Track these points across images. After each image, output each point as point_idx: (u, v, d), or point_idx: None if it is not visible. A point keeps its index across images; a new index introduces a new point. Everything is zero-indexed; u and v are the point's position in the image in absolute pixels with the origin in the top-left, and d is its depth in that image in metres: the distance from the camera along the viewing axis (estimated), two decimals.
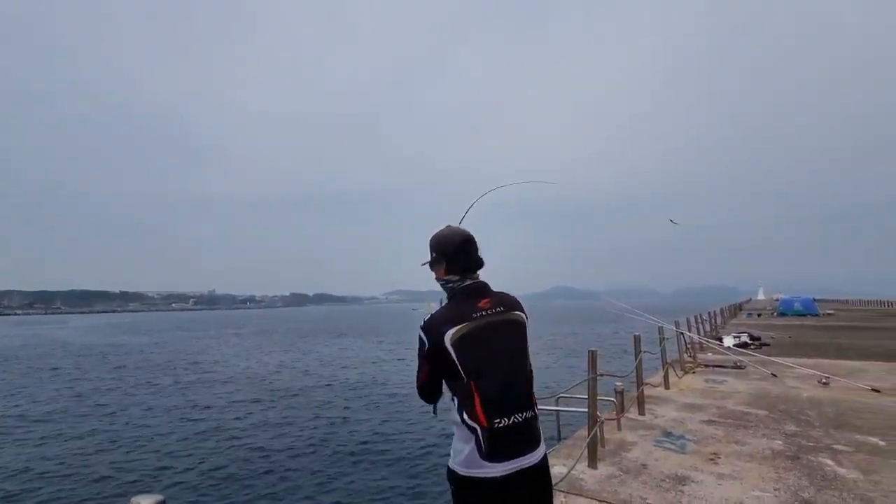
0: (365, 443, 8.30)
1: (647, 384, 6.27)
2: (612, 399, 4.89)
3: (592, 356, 4.02)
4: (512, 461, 1.56)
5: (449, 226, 1.85)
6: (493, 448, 1.54)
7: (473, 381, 1.57)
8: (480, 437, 1.54)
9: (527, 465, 1.59)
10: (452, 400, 1.61)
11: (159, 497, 1.15)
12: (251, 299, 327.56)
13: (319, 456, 7.68)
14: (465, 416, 1.56)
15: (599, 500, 3.35)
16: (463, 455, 1.57)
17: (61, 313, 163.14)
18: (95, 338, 38.85)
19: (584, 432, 4.16)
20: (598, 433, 4.13)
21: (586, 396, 4.06)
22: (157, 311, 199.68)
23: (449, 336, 1.59)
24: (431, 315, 1.68)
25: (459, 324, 1.62)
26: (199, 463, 7.45)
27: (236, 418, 10.29)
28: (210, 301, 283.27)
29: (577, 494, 3.44)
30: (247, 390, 13.74)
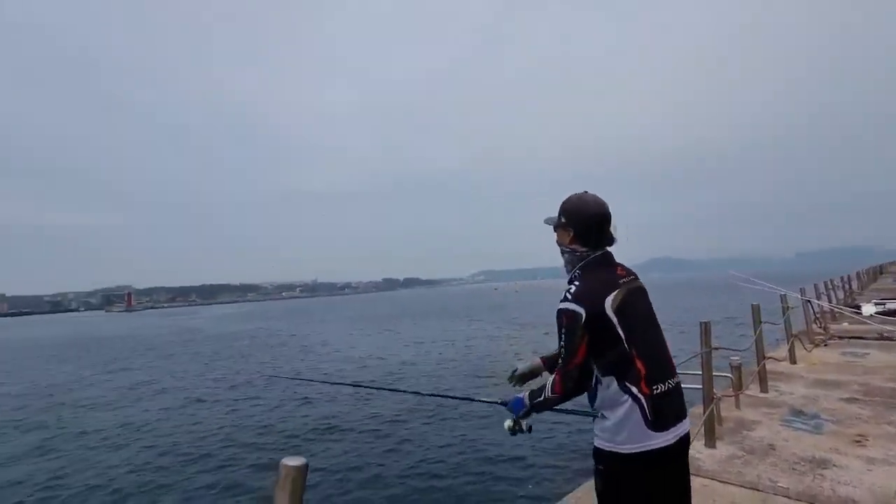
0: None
1: (769, 359, 5.65)
2: (728, 375, 4.50)
3: (705, 328, 3.72)
4: (673, 428, 1.52)
5: (587, 192, 1.73)
6: (658, 416, 1.49)
7: (635, 348, 1.52)
8: (645, 406, 1.49)
9: (684, 432, 1.56)
10: (602, 377, 1.54)
11: (303, 460, 1.30)
12: (348, 286, 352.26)
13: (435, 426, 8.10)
14: (628, 386, 1.50)
15: (721, 482, 3.13)
16: (625, 430, 1.50)
17: (196, 304, 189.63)
18: (226, 325, 44.58)
19: (698, 410, 3.88)
20: (715, 411, 3.83)
21: (699, 372, 3.77)
22: (270, 299, 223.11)
23: (609, 302, 1.53)
24: (577, 286, 1.58)
25: (613, 290, 1.56)
26: (332, 429, 8.28)
27: (351, 394, 11.22)
28: (313, 289, 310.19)
29: (693, 475, 3.24)
30: (350, 368, 14.88)
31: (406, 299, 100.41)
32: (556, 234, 1.76)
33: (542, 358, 1.92)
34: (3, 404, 12.67)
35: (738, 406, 4.53)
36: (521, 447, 6.61)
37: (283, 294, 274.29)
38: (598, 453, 1.57)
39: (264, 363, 17.62)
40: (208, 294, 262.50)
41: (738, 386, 4.56)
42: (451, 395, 2.25)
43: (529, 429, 1.77)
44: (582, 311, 1.51)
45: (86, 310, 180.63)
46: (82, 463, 7.49)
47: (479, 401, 2.19)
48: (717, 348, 3.80)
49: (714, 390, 3.77)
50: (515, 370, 1.96)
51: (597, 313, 1.51)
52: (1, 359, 24.78)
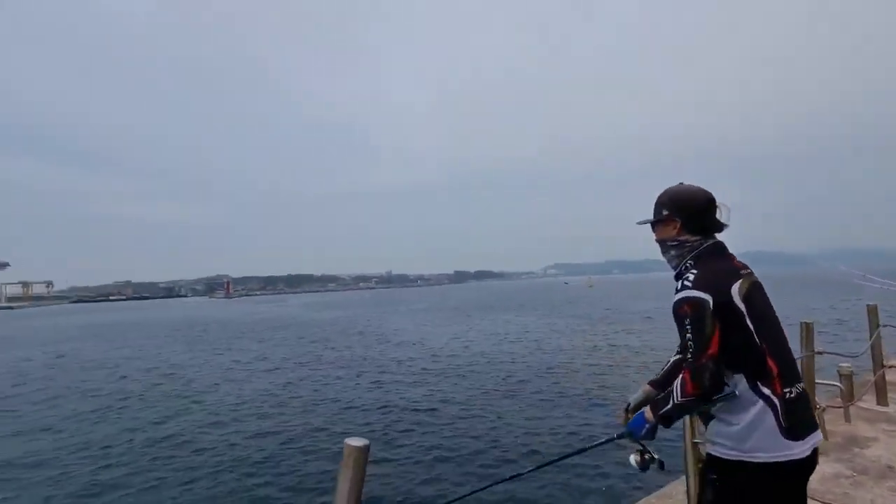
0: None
1: (890, 367, 4.91)
2: (836, 384, 3.98)
3: (807, 329, 3.34)
4: (809, 438, 1.36)
5: (682, 183, 1.65)
6: (793, 422, 1.34)
7: (765, 343, 1.38)
8: (779, 410, 1.33)
9: (817, 443, 1.39)
10: (730, 377, 1.37)
11: (365, 441, 1.37)
12: (421, 277, 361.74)
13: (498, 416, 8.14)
14: (760, 387, 1.35)
15: (823, 502, 2.79)
16: (754, 437, 1.33)
17: (284, 293, 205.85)
18: (310, 313, 47.90)
19: None
20: (819, 423, 3.41)
21: None
22: (348, 290, 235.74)
23: (736, 291, 1.39)
24: (695, 273, 1.43)
25: (737, 279, 1.43)
26: (390, 414, 8.66)
27: (414, 382, 11.58)
28: (388, 280, 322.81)
29: None
30: (421, 357, 15.29)
31: (476, 291, 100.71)
32: (655, 231, 1.68)
33: (650, 383, 1.77)
34: (135, 378, 14.73)
35: (847, 419, 4.01)
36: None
37: (361, 285, 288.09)
38: (716, 462, 1.41)
39: (344, 349, 18.68)
40: (294, 283, 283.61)
41: (849, 396, 4.03)
42: (568, 452, 1.96)
43: (661, 465, 1.53)
44: (708, 298, 1.37)
45: (192, 296, 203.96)
46: (192, 429, 8.52)
47: (594, 447, 1.84)
48: (820, 353, 3.38)
49: (817, 400, 3.36)
50: (629, 404, 1.78)
51: (724, 302, 1.37)
52: (138, 336, 28.76)
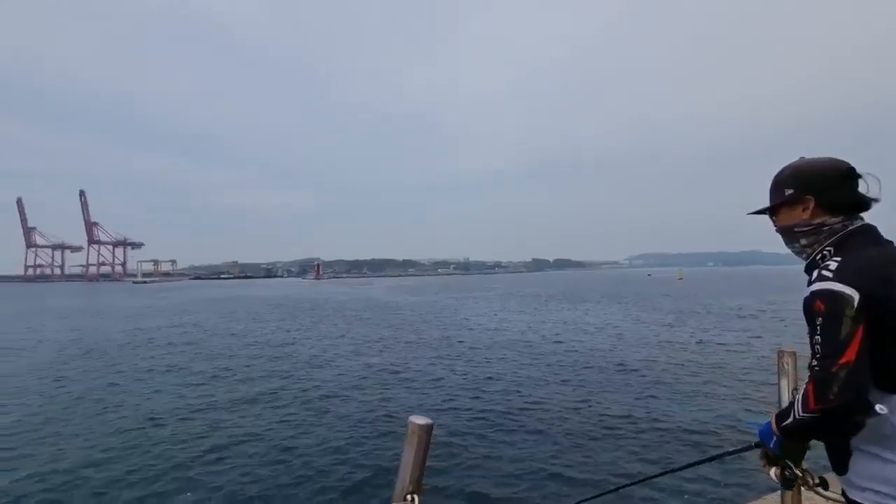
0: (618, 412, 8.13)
1: None
2: None
3: None
4: None
5: (803, 157, 1.33)
6: None
7: None
8: None
9: None
10: (877, 394, 1.05)
11: (429, 420, 1.40)
12: (498, 265, 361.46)
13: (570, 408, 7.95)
14: None
15: None
16: None
17: (368, 276, 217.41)
18: (392, 295, 50.11)
19: None
20: None
21: None
22: (427, 275, 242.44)
23: None
24: (838, 262, 1.13)
25: None
26: (461, 397, 8.81)
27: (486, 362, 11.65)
28: (465, 267, 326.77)
29: None
30: (496, 344, 15.31)
31: (554, 280, 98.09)
32: (777, 218, 1.39)
33: (776, 415, 1.32)
34: (236, 347, 16.53)
35: None
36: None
37: (439, 270, 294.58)
38: None
39: (421, 332, 19.30)
40: (377, 267, 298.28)
41: None
42: (696, 460, 1.71)
43: (824, 483, 1.25)
44: (853, 293, 1.06)
45: (288, 276, 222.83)
46: (276, 393, 9.41)
47: (730, 453, 1.61)
48: None
49: None
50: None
51: (881, 299, 1.05)
52: (243, 311, 32.27)
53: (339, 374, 11.48)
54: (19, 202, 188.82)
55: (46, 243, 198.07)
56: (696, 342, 14.98)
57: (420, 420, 1.39)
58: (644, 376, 10.52)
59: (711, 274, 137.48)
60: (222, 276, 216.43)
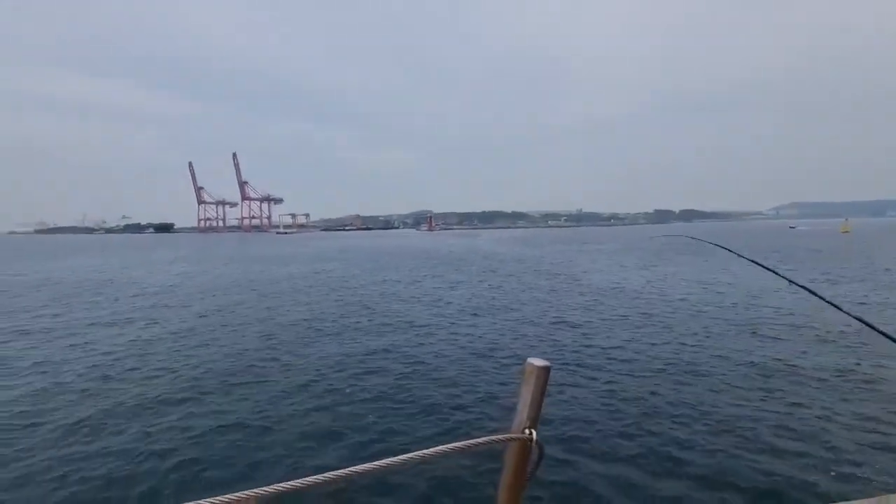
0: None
1: None
2: None
3: None
4: None
5: None
6: None
7: None
8: None
9: None
10: None
11: (546, 362, 1.44)
12: (614, 216, 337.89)
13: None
14: None
15: None
16: None
17: (477, 228, 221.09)
18: (500, 247, 50.50)
19: None
20: None
21: None
22: (536, 227, 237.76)
23: None
24: None
25: None
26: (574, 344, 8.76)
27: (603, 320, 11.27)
28: (577, 219, 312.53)
29: None
30: (607, 299, 14.65)
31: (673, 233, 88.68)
32: None
33: None
34: (361, 293, 18.34)
35: None
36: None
37: (549, 223, 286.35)
38: None
39: (530, 285, 19.28)
40: (487, 219, 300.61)
41: None
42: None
43: None
44: None
45: (403, 227, 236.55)
46: (395, 340, 10.32)
47: None
48: None
49: None
50: None
51: None
52: (366, 260, 35.52)
53: (450, 322, 12.13)
54: (190, 165, 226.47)
55: (211, 200, 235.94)
56: (870, 309, 12.59)
57: (538, 362, 1.44)
58: (777, 346, 9.28)
59: (891, 226, 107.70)
60: (346, 227, 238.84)
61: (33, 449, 5.22)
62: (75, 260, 40.32)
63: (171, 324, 12.25)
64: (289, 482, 1.15)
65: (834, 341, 9.16)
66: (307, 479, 1.16)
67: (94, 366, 8.45)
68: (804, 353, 8.47)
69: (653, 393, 6.64)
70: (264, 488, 1.10)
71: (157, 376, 7.78)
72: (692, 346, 9.13)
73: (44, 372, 8.13)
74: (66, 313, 14.02)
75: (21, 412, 6.29)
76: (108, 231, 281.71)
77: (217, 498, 1.02)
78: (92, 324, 12.38)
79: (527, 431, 1.44)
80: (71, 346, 10.02)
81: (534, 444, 1.45)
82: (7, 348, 9.91)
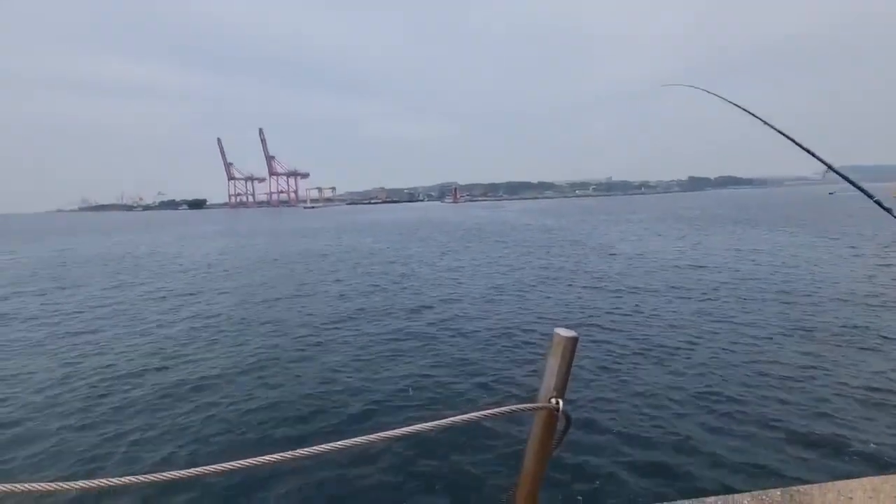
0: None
1: None
2: None
3: None
4: None
5: None
6: None
7: None
8: None
9: None
10: None
11: (574, 333, 1.42)
12: (645, 185, 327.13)
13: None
14: None
15: None
16: None
17: (503, 199, 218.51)
18: (526, 218, 49.96)
19: None
20: None
21: None
22: (564, 197, 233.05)
23: None
24: None
25: None
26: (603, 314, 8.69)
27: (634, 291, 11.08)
28: (607, 188, 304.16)
29: None
30: (637, 272, 14.34)
31: (714, 201, 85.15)
32: None
33: None
34: (385, 265, 18.57)
35: None
36: None
37: (577, 192, 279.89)
38: None
39: (557, 256, 19.05)
40: (512, 190, 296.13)
41: None
42: None
43: None
44: None
45: (428, 200, 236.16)
46: (424, 305, 10.46)
47: None
48: None
49: None
50: None
51: None
52: (391, 234, 35.86)
53: (475, 294, 12.17)
54: (219, 142, 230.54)
55: (241, 176, 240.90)
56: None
57: (566, 332, 1.42)
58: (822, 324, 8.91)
59: None
60: (372, 200, 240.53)
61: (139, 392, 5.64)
62: (135, 235, 42.54)
63: (231, 297, 12.81)
64: (328, 444, 1.22)
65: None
66: (345, 441, 1.23)
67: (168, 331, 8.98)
68: (856, 326, 8.13)
69: (686, 367, 6.55)
70: (308, 448, 1.19)
71: (237, 346, 8.20)
72: (733, 317, 8.88)
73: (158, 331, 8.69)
74: (159, 281, 14.83)
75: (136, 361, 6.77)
76: (146, 208, 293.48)
77: (294, 451, 1.12)
78: (168, 294, 13.08)
79: (553, 401, 1.44)
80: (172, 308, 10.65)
81: (560, 414, 1.46)
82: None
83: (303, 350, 7.79)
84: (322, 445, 1.22)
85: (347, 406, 5.60)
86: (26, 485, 1.10)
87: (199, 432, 5.03)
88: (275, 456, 1.18)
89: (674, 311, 9.43)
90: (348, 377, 6.51)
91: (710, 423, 4.89)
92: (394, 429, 1.31)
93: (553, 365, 1.44)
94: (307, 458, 1.20)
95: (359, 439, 1.27)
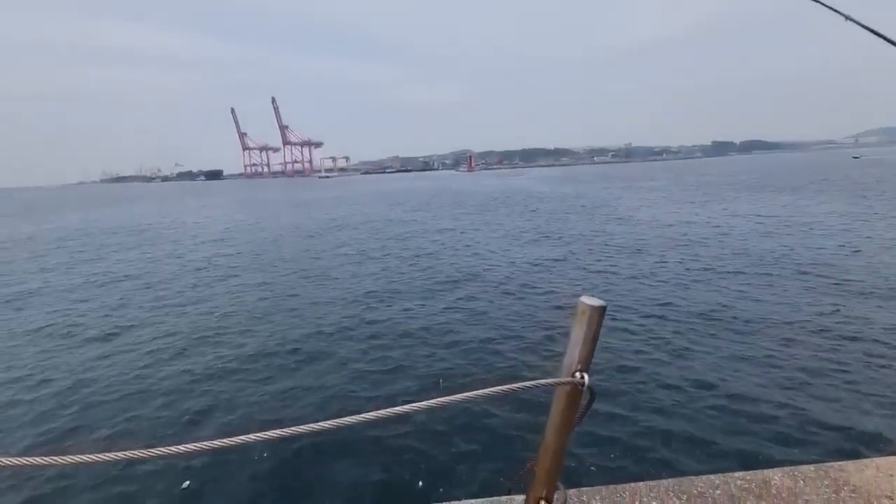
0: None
1: None
2: None
3: None
4: None
5: None
6: None
7: None
8: None
9: None
10: None
11: (601, 302, 1.29)
12: (667, 150, 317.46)
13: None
14: None
15: None
16: None
17: (518, 167, 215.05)
18: (543, 186, 49.14)
19: None
20: None
21: None
22: (582, 164, 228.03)
23: None
24: None
25: None
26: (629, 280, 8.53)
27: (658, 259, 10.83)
28: (626, 154, 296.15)
29: None
30: (657, 241, 14.00)
31: (737, 167, 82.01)
32: None
33: None
34: (404, 237, 18.54)
35: None
36: None
37: (595, 159, 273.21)
38: None
39: (572, 225, 18.75)
40: (528, 157, 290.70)
41: None
42: None
43: None
44: None
45: (442, 169, 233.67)
46: (449, 274, 10.43)
47: None
48: None
49: None
50: None
51: None
52: (410, 201, 35.75)
53: (496, 262, 12.08)
54: (233, 111, 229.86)
55: (255, 146, 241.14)
56: None
57: (592, 301, 1.30)
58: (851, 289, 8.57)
59: None
60: (387, 170, 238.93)
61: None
62: (162, 205, 43.38)
63: (254, 267, 13.01)
64: (351, 417, 1.20)
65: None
66: (368, 414, 1.20)
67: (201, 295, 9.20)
68: (880, 307, 7.82)
69: (712, 339, 6.40)
70: (333, 420, 1.19)
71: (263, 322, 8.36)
72: (757, 288, 8.61)
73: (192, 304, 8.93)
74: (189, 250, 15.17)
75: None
76: (165, 179, 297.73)
77: (325, 422, 1.15)
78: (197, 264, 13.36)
79: (577, 374, 1.33)
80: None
81: (585, 388, 1.35)
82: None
83: (338, 324, 7.74)
84: (348, 418, 1.23)
85: (372, 376, 5.61)
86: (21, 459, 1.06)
87: (259, 403, 5.12)
88: (322, 424, 1.21)
89: (697, 280, 9.20)
90: (374, 348, 6.51)
91: (742, 393, 4.74)
92: (417, 402, 1.28)
93: (578, 336, 1.32)
94: (344, 427, 1.22)
95: (383, 412, 1.25)
